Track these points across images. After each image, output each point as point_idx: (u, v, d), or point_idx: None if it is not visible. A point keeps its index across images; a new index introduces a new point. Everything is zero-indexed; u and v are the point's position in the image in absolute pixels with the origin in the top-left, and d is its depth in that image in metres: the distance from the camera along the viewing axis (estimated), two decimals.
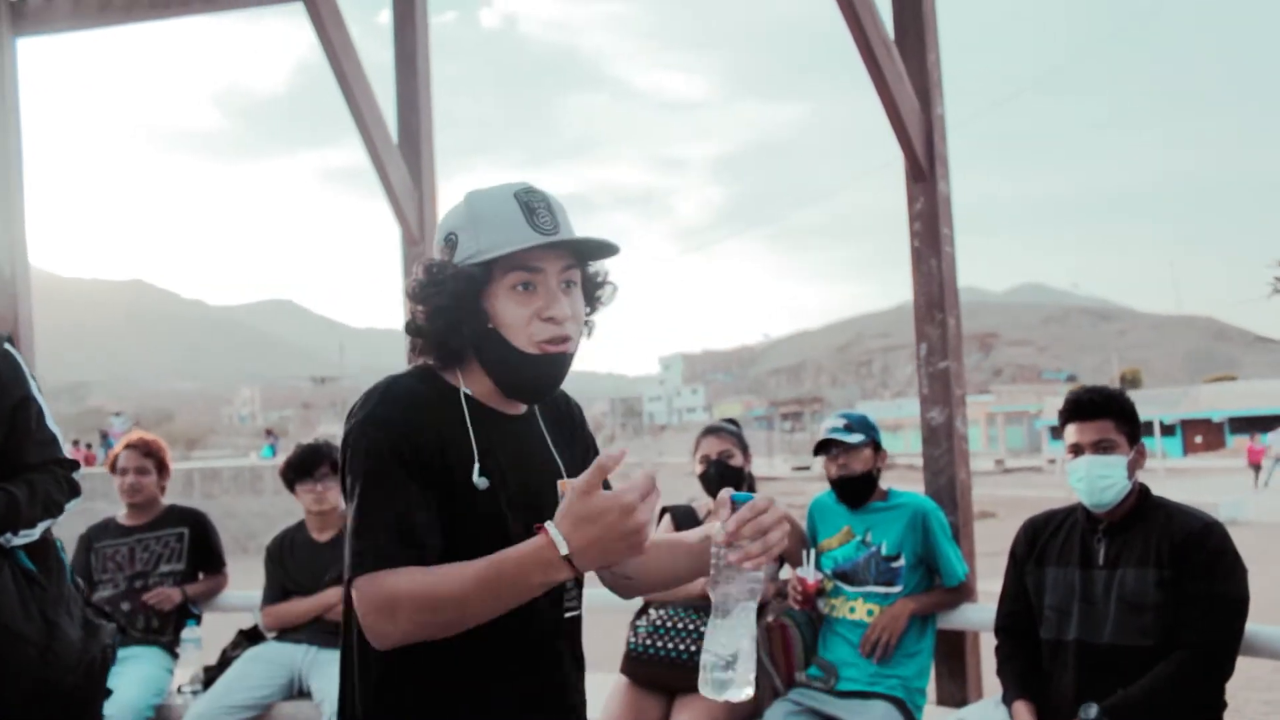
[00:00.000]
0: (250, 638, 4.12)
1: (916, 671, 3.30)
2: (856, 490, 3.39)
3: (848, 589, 3.37)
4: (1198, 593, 2.58)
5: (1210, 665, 2.59)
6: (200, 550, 4.24)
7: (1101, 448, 2.73)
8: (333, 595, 3.84)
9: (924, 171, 3.95)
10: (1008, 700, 2.85)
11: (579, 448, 1.78)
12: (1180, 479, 28.01)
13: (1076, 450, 2.77)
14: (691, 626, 3.27)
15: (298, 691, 3.84)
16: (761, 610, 3.40)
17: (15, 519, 2.37)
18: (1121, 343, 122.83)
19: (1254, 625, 2.69)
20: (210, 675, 3.99)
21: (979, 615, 3.45)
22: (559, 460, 1.70)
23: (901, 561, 3.31)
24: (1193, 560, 2.61)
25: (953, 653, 3.87)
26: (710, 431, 3.60)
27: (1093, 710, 2.59)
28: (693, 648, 3.24)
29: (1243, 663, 2.70)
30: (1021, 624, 2.91)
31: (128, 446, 4.22)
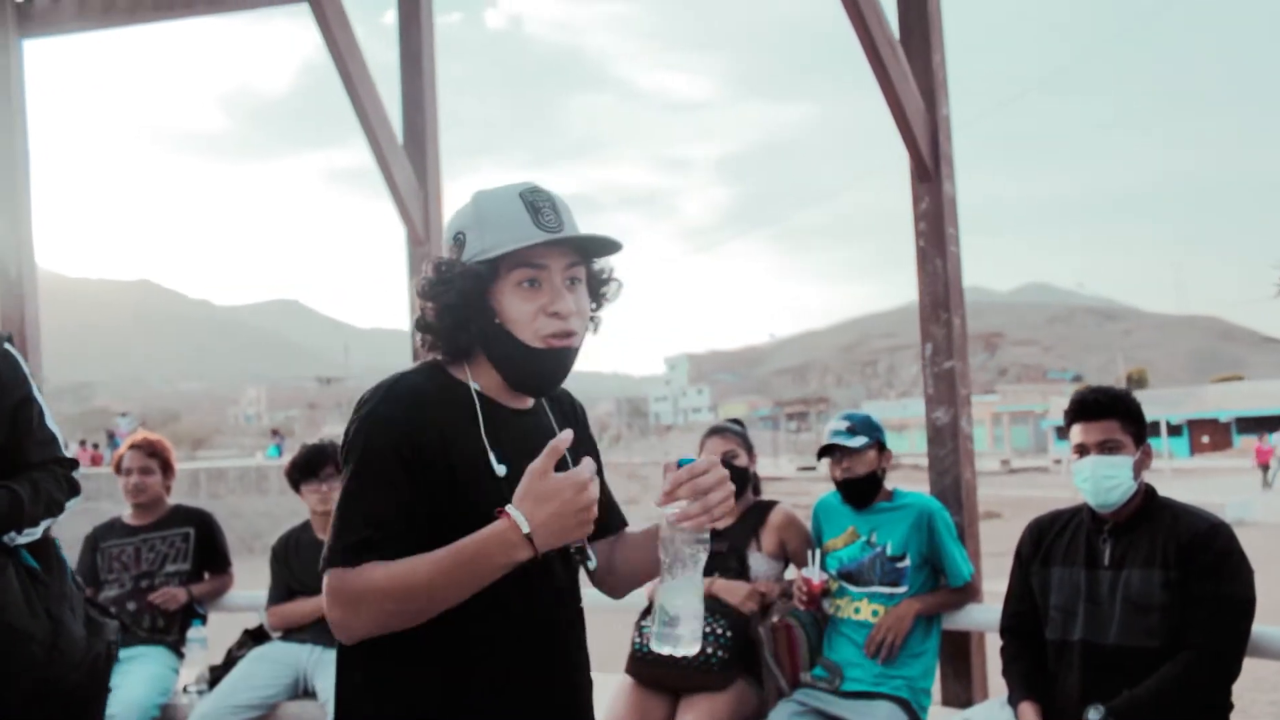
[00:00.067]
0: (255, 637, 4.12)
1: (921, 672, 3.30)
2: (861, 491, 3.38)
3: (853, 589, 3.36)
4: (1204, 594, 2.57)
5: (1217, 666, 2.58)
6: (206, 550, 4.25)
7: (1107, 448, 2.72)
8: None
9: (929, 171, 3.95)
10: (1013, 701, 2.84)
11: (583, 449, 1.80)
12: (1187, 479, 27.95)
13: (1082, 450, 2.76)
14: None
15: (303, 691, 3.84)
16: (766, 610, 3.40)
17: (20, 517, 2.38)
18: (1127, 342, 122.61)
19: (1260, 626, 2.69)
20: (216, 675, 4.00)
21: (984, 616, 3.44)
22: (567, 454, 1.73)
23: (906, 562, 3.31)
24: (1199, 561, 2.60)
25: (958, 653, 3.86)
26: (715, 432, 3.60)
27: (1098, 712, 2.58)
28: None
29: (1249, 664, 2.69)
30: (1027, 625, 2.90)
31: (132, 447, 4.23)
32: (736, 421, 3.69)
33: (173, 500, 4.34)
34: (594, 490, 1.47)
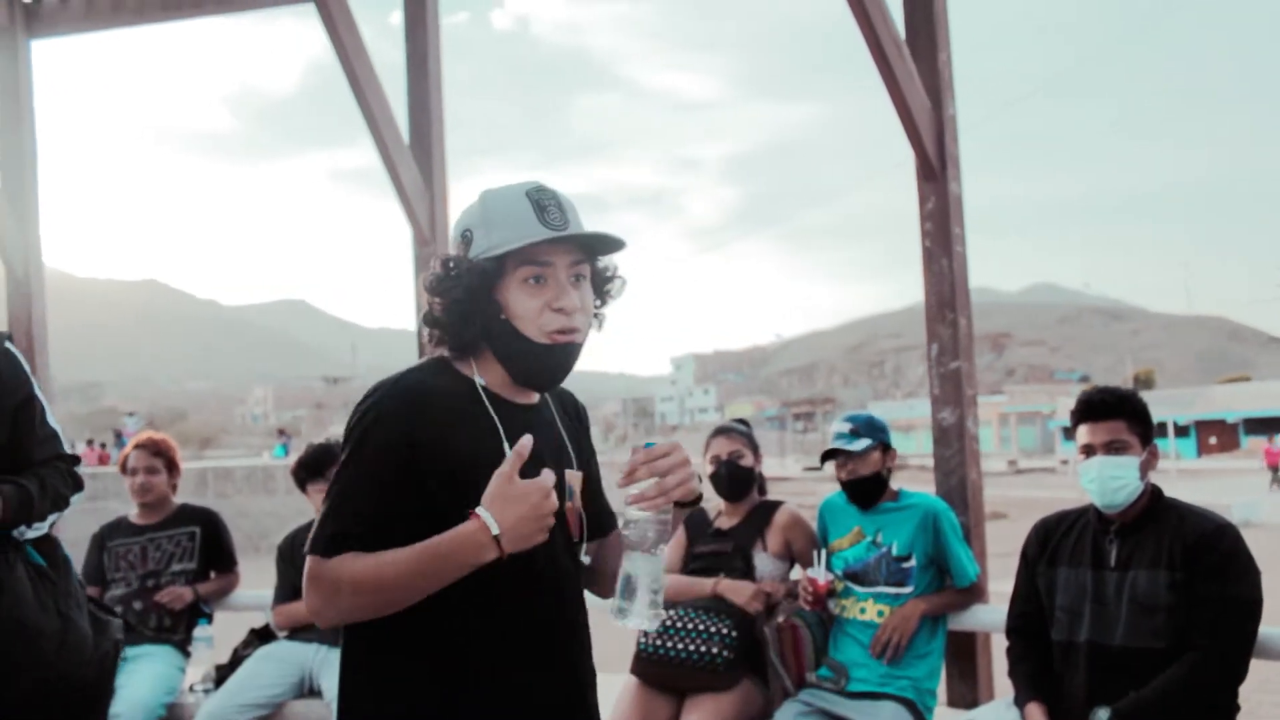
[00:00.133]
0: (262, 636, 4.13)
1: (927, 673, 3.29)
2: (866, 491, 3.38)
3: (858, 589, 3.36)
4: (1210, 595, 2.57)
5: (1223, 668, 2.57)
6: (212, 549, 4.26)
7: (1114, 448, 2.72)
8: None
9: (935, 171, 3.94)
10: (1019, 702, 2.84)
11: (585, 451, 1.84)
12: (1194, 480, 27.86)
13: (1088, 451, 2.75)
14: (702, 627, 3.27)
15: (309, 690, 3.85)
16: (772, 611, 3.39)
17: (30, 512, 2.40)
18: (1134, 343, 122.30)
19: (1267, 628, 2.68)
20: (222, 674, 4.01)
21: (990, 616, 3.43)
22: (571, 450, 1.77)
23: (912, 562, 3.30)
24: (1205, 562, 2.59)
25: (964, 654, 3.86)
26: (721, 432, 3.60)
27: (1105, 713, 2.58)
28: (703, 648, 3.24)
29: (1256, 665, 2.68)
30: (1033, 625, 2.90)
31: (137, 446, 4.24)
32: (742, 421, 3.69)
33: (179, 499, 4.35)
34: (555, 499, 1.52)
